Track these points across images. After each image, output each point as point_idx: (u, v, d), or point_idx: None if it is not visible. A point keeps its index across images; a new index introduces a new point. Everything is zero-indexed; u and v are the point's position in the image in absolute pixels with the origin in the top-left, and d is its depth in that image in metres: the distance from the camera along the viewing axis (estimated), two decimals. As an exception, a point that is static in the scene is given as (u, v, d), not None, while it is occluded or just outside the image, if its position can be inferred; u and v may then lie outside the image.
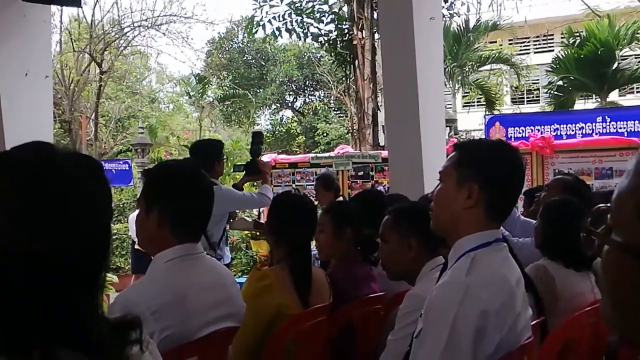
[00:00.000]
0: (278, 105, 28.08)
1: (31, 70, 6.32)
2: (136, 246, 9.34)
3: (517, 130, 9.65)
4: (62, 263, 1.12)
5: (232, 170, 10.56)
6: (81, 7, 14.69)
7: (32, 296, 1.10)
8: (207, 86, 21.44)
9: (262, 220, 6.06)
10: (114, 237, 13.03)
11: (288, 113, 28.89)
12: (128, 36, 20.47)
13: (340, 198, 6.97)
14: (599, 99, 17.13)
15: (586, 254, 0.88)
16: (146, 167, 13.91)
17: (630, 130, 9.06)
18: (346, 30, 14.25)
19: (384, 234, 2.87)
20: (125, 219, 14.09)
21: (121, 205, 15.39)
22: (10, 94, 6.19)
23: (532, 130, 9.39)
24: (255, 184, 8.83)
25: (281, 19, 14.61)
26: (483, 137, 11.00)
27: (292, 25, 14.69)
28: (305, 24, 14.71)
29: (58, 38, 19.25)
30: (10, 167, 1.17)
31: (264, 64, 27.47)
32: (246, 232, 10.76)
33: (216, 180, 5.15)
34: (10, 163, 1.18)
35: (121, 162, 13.83)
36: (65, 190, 1.14)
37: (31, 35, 6.33)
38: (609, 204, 0.80)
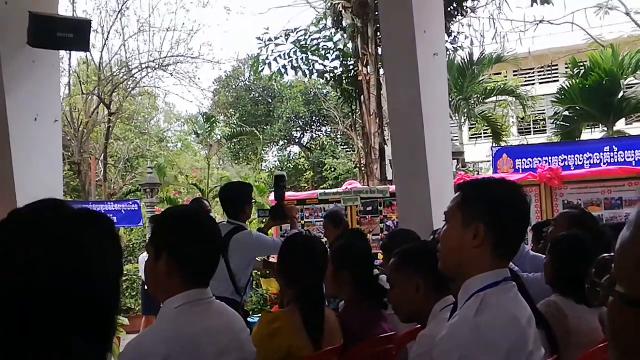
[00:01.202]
0: (285, 141, 28.23)
1: (40, 115, 6.40)
2: (146, 287, 9.32)
3: (524, 161, 9.65)
4: (66, 324, 1.13)
5: (257, 215, 10.55)
6: (89, 51, 14.90)
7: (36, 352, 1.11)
8: (214, 124, 21.56)
9: (271, 259, 6.04)
10: (124, 278, 13.02)
11: (295, 149, 29.03)
12: (136, 77, 20.70)
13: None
14: (606, 128, 17.14)
15: (592, 303, 0.88)
16: (155, 208, 13.97)
17: (638, 159, 9.04)
18: (351, 67, 14.38)
19: (391, 278, 2.86)
20: (135, 260, 14.09)
21: (131, 246, 15.40)
22: (19, 138, 6.26)
23: (539, 161, 9.38)
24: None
25: (286, 56, 14.77)
26: (491, 168, 11.00)
27: (297, 62, 14.84)
28: (310, 61, 14.85)
29: (67, 81, 19.49)
30: (17, 229, 1.19)
31: (270, 101, 27.69)
32: (256, 270, 10.73)
33: (245, 225, 5.14)
34: (16, 226, 1.20)
35: (130, 202, 13.86)
36: (69, 254, 1.16)
37: (40, 81, 6.42)
38: (612, 254, 0.81)
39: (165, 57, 20.27)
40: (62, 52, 9.38)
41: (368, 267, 3.55)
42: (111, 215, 12.68)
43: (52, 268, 1.14)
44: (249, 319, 4.67)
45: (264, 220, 10.26)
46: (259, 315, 4.24)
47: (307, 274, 2.97)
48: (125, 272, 13.21)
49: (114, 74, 19.88)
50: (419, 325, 2.87)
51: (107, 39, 19.37)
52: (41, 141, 6.41)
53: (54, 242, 1.16)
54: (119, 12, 19.32)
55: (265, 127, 26.49)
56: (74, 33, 6.02)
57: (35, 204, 1.23)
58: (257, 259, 5.33)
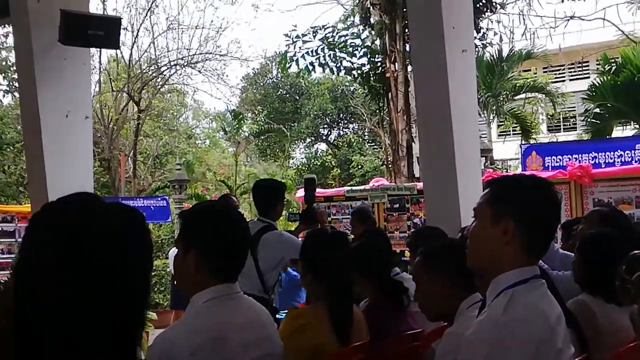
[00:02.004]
0: (312, 138, 28.24)
1: (72, 112, 6.49)
2: (175, 282, 9.40)
3: (554, 159, 9.54)
4: (91, 318, 1.15)
5: (287, 219, 10.56)
6: (120, 49, 15.05)
7: (59, 348, 1.12)
8: (242, 121, 21.65)
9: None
10: (153, 273, 13.15)
11: (322, 146, 29.03)
12: (165, 75, 20.84)
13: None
14: (637, 126, 16.87)
15: (622, 301, 0.87)
16: (184, 204, 14.07)
17: (671, 157, 8.90)
18: (379, 63, 14.32)
19: (416, 277, 2.85)
20: (164, 255, 14.22)
21: (159, 242, 15.54)
22: (51, 135, 6.36)
23: (569, 159, 9.26)
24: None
25: (314, 53, 14.75)
26: (520, 166, 10.90)
27: (325, 59, 14.81)
28: (338, 58, 14.81)
29: (97, 78, 19.70)
30: (50, 223, 1.21)
31: (298, 98, 27.72)
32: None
33: (275, 224, 5.11)
34: (52, 217, 1.22)
35: (159, 199, 13.99)
36: (101, 248, 1.17)
37: (71, 78, 6.51)
38: (644, 250, 0.80)
39: (194, 55, 20.37)
40: (93, 50, 9.50)
41: (386, 267, 3.55)
42: (140, 211, 12.82)
43: (88, 262, 1.16)
44: (277, 315, 4.67)
45: (289, 223, 10.26)
46: (286, 311, 4.25)
47: (337, 269, 2.95)
48: (154, 267, 13.33)
49: (144, 71, 20.04)
50: (446, 324, 2.86)
51: (136, 36, 19.54)
52: (72, 138, 6.51)
53: (91, 235, 1.18)
54: (148, 10, 19.48)
55: (292, 125, 26.54)
56: (105, 31, 6.09)
57: (70, 197, 1.25)
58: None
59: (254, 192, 5.35)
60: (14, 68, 16.49)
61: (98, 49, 15.25)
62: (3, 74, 19.10)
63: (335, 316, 2.86)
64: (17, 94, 17.04)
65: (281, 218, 9.77)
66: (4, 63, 19.09)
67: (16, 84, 16.30)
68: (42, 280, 1.15)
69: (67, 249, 1.15)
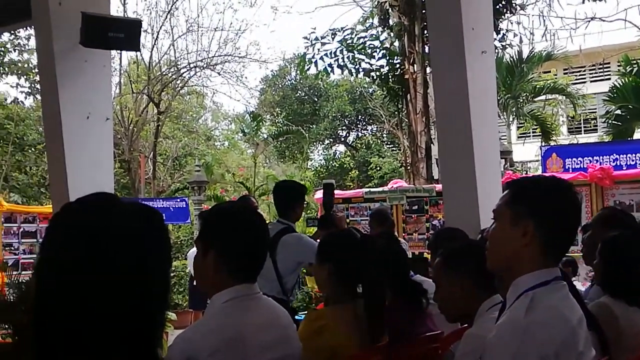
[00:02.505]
0: (331, 140, 28.24)
1: (92, 113, 6.55)
2: (195, 282, 9.44)
3: (574, 161, 9.46)
4: (110, 319, 1.15)
5: (305, 224, 10.58)
6: (140, 51, 15.16)
7: (79, 349, 1.13)
8: (261, 123, 21.73)
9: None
10: (172, 274, 13.22)
11: (341, 148, 29.01)
12: (184, 77, 20.98)
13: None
14: (659, 128, 16.69)
15: None
16: (203, 205, 14.14)
17: (693, 158, 8.79)
18: (397, 65, 14.30)
19: (436, 278, 2.84)
20: (183, 256, 14.30)
21: (179, 243, 15.63)
22: (72, 136, 6.42)
23: (590, 161, 9.18)
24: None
25: (333, 55, 14.77)
26: (540, 168, 10.82)
27: (343, 61, 14.82)
28: (356, 59, 14.81)
29: (117, 80, 19.86)
30: (70, 224, 1.22)
31: (316, 100, 27.74)
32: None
33: (294, 226, 5.11)
34: (70, 220, 1.23)
35: (178, 200, 14.08)
36: (121, 249, 1.18)
37: (92, 80, 6.57)
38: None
39: (213, 57, 20.49)
40: (113, 52, 9.57)
41: (404, 269, 3.54)
42: (159, 211, 12.91)
43: (107, 262, 1.16)
44: (296, 317, 4.67)
45: (308, 228, 10.24)
46: (305, 313, 4.24)
47: (370, 270, 2.93)
48: (173, 268, 13.42)
49: (164, 73, 20.18)
50: (465, 325, 2.84)
51: (156, 39, 19.69)
52: (93, 139, 6.56)
53: (109, 235, 1.19)
54: (168, 12, 19.61)
55: (311, 126, 26.55)
56: (125, 33, 6.14)
57: (89, 197, 1.26)
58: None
59: (274, 193, 5.36)
60: (36, 70, 16.66)
61: (118, 51, 15.37)
62: (25, 76, 19.32)
63: (371, 317, 2.84)
64: (38, 96, 17.25)
65: (300, 221, 9.77)
66: (26, 65, 19.30)
67: (38, 86, 16.48)
68: (61, 280, 1.15)
69: (86, 249, 1.16)
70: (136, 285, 1.18)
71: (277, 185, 5.56)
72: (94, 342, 1.14)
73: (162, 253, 1.25)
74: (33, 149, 19.87)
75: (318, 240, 5.11)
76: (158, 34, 19.65)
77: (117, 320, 1.15)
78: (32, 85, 19.26)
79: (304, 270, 11.08)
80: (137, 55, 19.34)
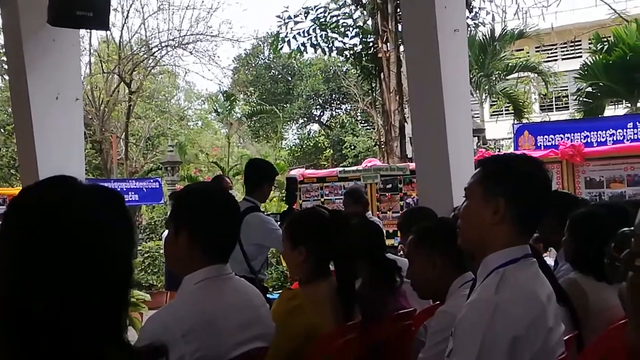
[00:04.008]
0: (305, 119, 28.20)
1: (62, 94, 6.45)
2: (167, 263, 9.39)
3: (546, 138, 9.55)
4: (75, 301, 1.14)
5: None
6: (110, 30, 14.95)
7: (53, 333, 1.12)
8: (234, 103, 21.59)
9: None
10: (146, 255, 13.14)
11: (315, 127, 29.01)
12: (156, 56, 20.74)
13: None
14: (630, 105, 16.89)
15: (611, 279, 0.87)
16: (176, 186, 14.05)
17: (663, 135, 8.92)
18: (371, 44, 14.27)
19: (409, 254, 2.87)
20: (156, 237, 14.23)
21: (152, 223, 15.54)
22: (41, 117, 6.32)
23: (561, 139, 9.27)
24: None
25: (306, 34, 14.70)
26: (512, 145, 10.91)
27: (317, 40, 14.77)
28: (329, 38, 14.77)
29: (87, 60, 19.57)
30: (29, 206, 1.20)
31: (290, 79, 27.64)
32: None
33: (259, 205, 5.06)
34: (29, 202, 1.21)
35: (151, 181, 13.97)
36: (81, 230, 1.17)
37: (61, 59, 6.46)
38: (632, 228, 0.79)
39: (185, 36, 20.28)
40: (83, 31, 9.42)
41: (379, 247, 3.55)
42: (133, 193, 12.78)
43: (68, 244, 1.15)
44: (268, 295, 4.65)
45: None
46: (280, 292, 4.24)
47: (346, 249, 2.92)
48: (147, 249, 13.33)
49: (134, 52, 19.93)
50: (438, 303, 2.87)
51: (127, 17, 19.43)
52: (63, 120, 6.47)
53: (69, 217, 1.17)
54: (138, -10, 19.32)
55: (285, 105, 26.47)
56: (94, 12, 6.01)
57: (48, 180, 1.24)
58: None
59: (245, 169, 5.32)
60: (4, 50, 16.35)
61: (88, 30, 15.11)
62: (-8, 56, 18.95)
63: (343, 295, 2.85)
64: (6, 76, 16.93)
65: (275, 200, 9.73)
66: (-7, 45, 18.92)
67: (5, 66, 16.17)
68: (20, 263, 1.14)
69: (45, 232, 1.15)
70: (98, 266, 1.16)
71: (249, 162, 5.54)
72: (54, 325, 1.12)
73: (124, 234, 1.23)
74: (2, 130, 19.58)
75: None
76: (128, 12, 19.41)
77: (79, 303, 1.14)
78: (0, 65, 18.91)
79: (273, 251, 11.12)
80: (107, 35, 19.10)
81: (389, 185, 10.19)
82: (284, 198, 5.44)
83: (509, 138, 16.54)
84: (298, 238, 2.93)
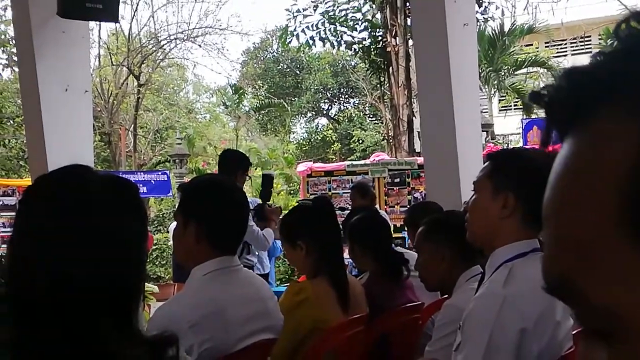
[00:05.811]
0: (313, 113, 28.13)
1: (71, 86, 6.46)
2: (175, 254, 9.41)
3: (555, 133, 9.51)
4: (89, 289, 1.14)
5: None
6: (119, 22, 14.95)
7: (58, 321, 1.13)
8: (242, 96, 21.59)
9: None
10: (155, 247, 13.20)
11: (323, 121, 28.92)
12: (165, 49, 20.73)
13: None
14: (639, 100, 16.79)
15: None
16: (184, 178, 14.09)
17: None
18: (380, 38, 14.23)
19: (418, 246, 2.87)
20: (165, 229, 14.28)
21: (161, 216, 15.59)
22: (51, 109, 6.34)
23: (570, 134, 9.24)
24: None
25: (315, 28, 14.65)
26: (521, 141, 10.89)
27: (325, 34, 14.72)
28: (338, 32, 14.72)
29: (97, 52, 19.59)
30: (44, 193, 1.20)
31: (298, 72, 27.57)
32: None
33: None
34: (45, 189, 1.21)
35: (160, 173, 13.99)
36: (97, 218, 1.17)
37: (70, 52, 6.47)
38: None
39: (194, 29, 20.26)
40: (92, 24, 9.43)
41: (386, 239, 3.55)
42: (141, 185, 12.80)
43: (82, 232, 1.15)
44: (275, 288, 4.64)
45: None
46: (287, 285, 4.24)
47: (329, 239, 2.92)
48: (155, 241, 13.38)
49: (143, 45, 19.93)
50: (445, 296, 2.87)
51: (136, 10, 19.47)
52: (72, 112, 6.49)
53: (84, 205, 1.17)
54: (147, -17, 19.32)
55: (293, 99, 26.42)
56: (103, 4, 6.03)
57: (63, 169, 1.24)
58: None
59: (220, 159, 5.25)
60: (14, 42, 16.39)
61: (97, 23, 15.13)
62: (2, 48, 19.00)
63: (340, 289, 2.86)
64: (16, 68, 16.98)
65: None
66: (3, 37, 18.97)
67: (15, 58, 16.22)
68: (36, 251, 1.14)
69: (61, 220, 1.15)
70: (113, 255, 1.17)
71: (222, 152, 5.53)
72: (71, 313, 1.13)
73: (138, 224, 1.24)
74: (12, 122, 19.63)
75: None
76: (137, 5, 19.37)
77: (95, 291, 1.15)
78: (10, 57, 18.94)
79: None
80: (116, 27, 19.09)
81: (397, 180, 10.18)
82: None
83: (518, 133, 16.47)
84: (293, 235, 2.94)
